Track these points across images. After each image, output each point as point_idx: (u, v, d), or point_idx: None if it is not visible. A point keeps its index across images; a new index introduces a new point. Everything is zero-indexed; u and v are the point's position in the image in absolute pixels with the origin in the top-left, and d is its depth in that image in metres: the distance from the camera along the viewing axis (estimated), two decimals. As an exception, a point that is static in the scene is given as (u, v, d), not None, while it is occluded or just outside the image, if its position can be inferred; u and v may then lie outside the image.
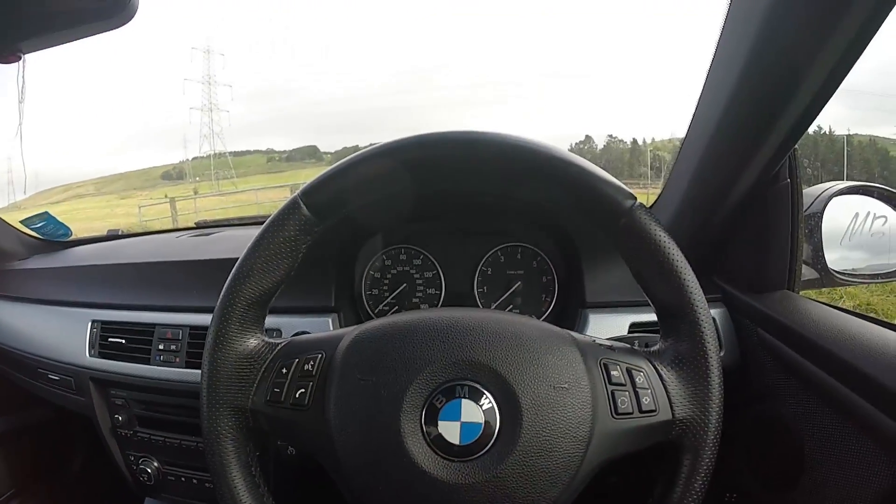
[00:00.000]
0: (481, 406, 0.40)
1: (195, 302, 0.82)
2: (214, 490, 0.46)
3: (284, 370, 0.45)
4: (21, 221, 1.19)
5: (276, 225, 0.45)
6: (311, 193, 0.45)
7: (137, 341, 0.84)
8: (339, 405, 0.42)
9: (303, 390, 0.44)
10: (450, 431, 0.40)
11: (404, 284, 0.85)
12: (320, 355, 0.45)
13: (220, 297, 0.46)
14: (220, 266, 0.86)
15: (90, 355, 0.88)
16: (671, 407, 0.43)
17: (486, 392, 0.40)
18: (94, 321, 0.89)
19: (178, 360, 0.80)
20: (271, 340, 0.48)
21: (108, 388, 0.89)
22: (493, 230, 0.86)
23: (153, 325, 0.83)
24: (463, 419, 0.40)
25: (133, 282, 0.90)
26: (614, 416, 0.42)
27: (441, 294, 0.85)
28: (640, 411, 0.42)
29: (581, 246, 0.79)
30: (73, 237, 1.19)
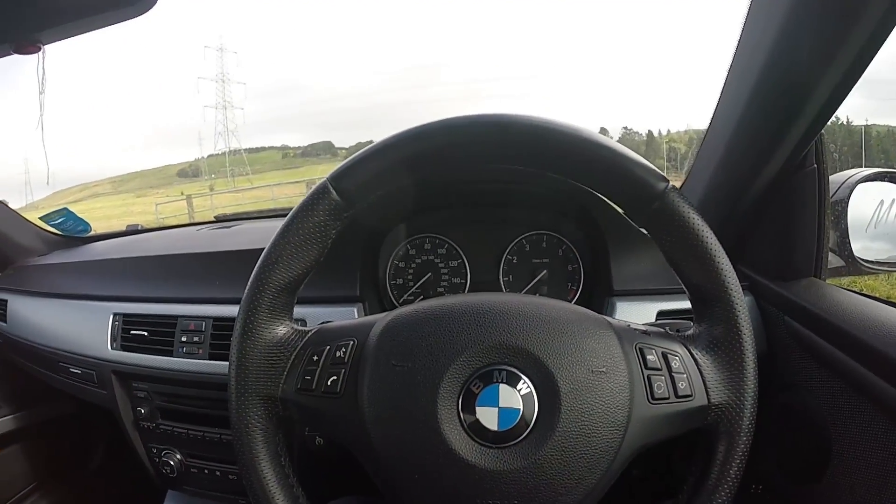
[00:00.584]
0: (519, 391, 0.39)
1: (218, 293, 0.82)
2: (243, 481, 0.45)
3: (316, 357, 0.44)
4: (40, 218, 1.19)
5: (305, 210, 0.44)
6: (340, 178, 0.44)
7: (160, 333, 0.83)
8: (374, 392, 0.41)
9: (335, 378, 0.43)
10: (487, 417, 0.39)
11: (429, 273, 0.84)
12: (352, 342, 0.44)
13: (249, 284, 0.45)
14: (243, 257, 0.86)
15: (112, 348, 0.88)
16: (706, 392, 0.42)
17: (523, 377, 0.40)
18: (115, 314, 0.89)
19: (201, 351, 0.80)
20: (301, 328, 0.47)
21: (129, 381, 0.89)
22: (518, 218, 0.85)
23: (176, 317, 0.82)
24: (501, 405, 0.39)
25: (154, 274, 0.89)
26: (651, 401, 0.41)
27: (466, 283, 0.84)
28: (677, 396, 0.42)
29: (608, 233, 0.77)
30: (91, 233, 1.19)
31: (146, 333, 0.84)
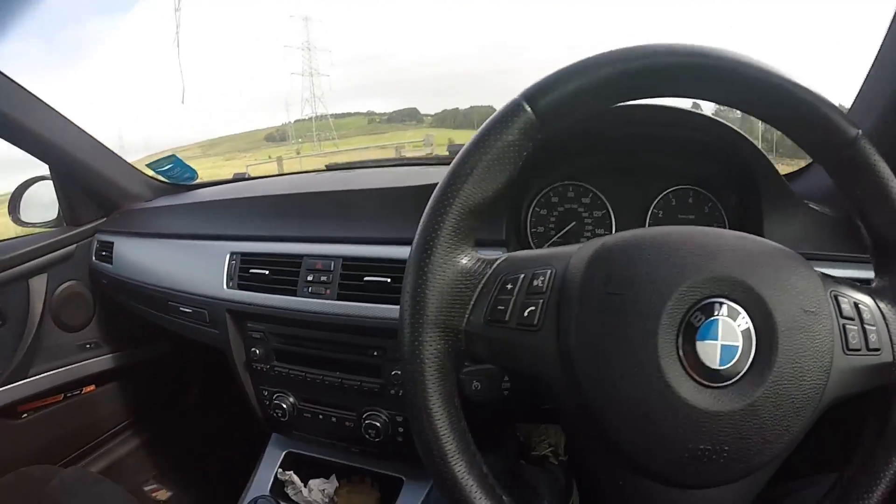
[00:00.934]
0: (738, 326, 0.36)
1: (348, 233, 0.79)
2: (410, 422, 0.41)
3: (510, 286, 0.40)
4: (147, 165, 1.20)
5: (499, 126, 0.40)
6: (536, 97, 0.40)
7: (282, 273, 0.81)
8: (584, 322, 0.37)
9: (532, 308, 0.39)
10: (707, 353, 0.35)
11: (573, 223, 0.79)
12: (550, 271, 0.40)
13: (432, 202, 0.41)
14: (376, 197, 0.83)
15: (228, 287, 0.87)
16: (892, 347, 0.40)
17: (742, 311, 0.36)
18: (232, 253, 0.87)
19: (328, 291, 0.77)
20: (486, 256, 0.43)
21: (244, 321, 0.88)
22: (667, 170, 0.78)
23: (301, 257, 0.80)
24: (721, 340, 0.36)
25: (275, 214, 0.88)
26: (846, 351, 0.39)
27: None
28: (868, 349, 0.39)
29: (764, 193, 0.71)
30: (198, 181, 1.19)
31: (267, 272, 0.82)
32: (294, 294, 0.79)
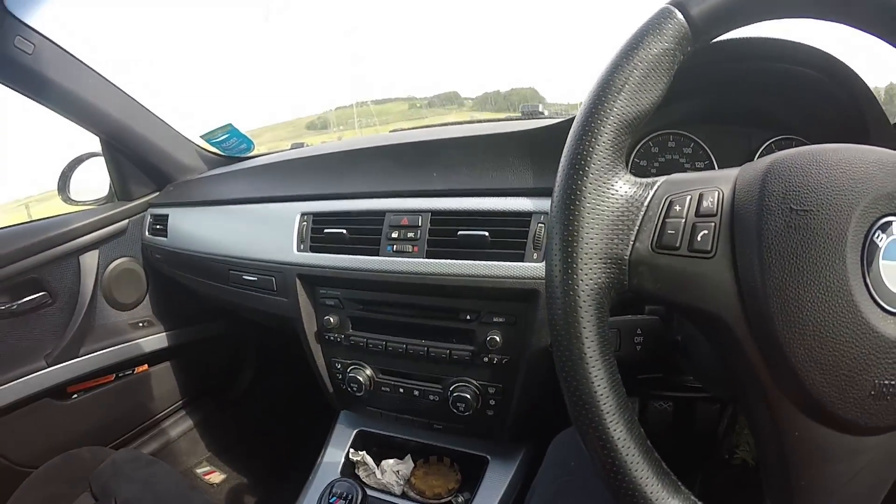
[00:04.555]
0: None
1: (435, 185, 0.72)
2: (560, 374, 0.36)
3: (678, 207, 0.35)
4: (202, 136, 1.16)
5: (651, 33, 0.36)
6: (688, 2, 0.36)
7: (362, 231, 0.75)
8: (768, 243, 0.33)
9: (705, 232, 0.34)
10: (891, 275, 0.32)
11: (675, 174, 0.72)
12: (717, 192, 0.35)
13: (581, 119, 0.36)
14: (464, 146, 0.74)
15: (298, 250, 0.81)
16: None
17: None
18: (303, 214, 0.81)
19: (415, 249, 0.70)
20: (642, 179, 0.37)
21: (316, 287, 0.81)
22: (769, 118, 0.72)
23: (382, 213, 0.74)
24: None
25: (349, 170, 0.81)
26: None
27: None
28: None
29: (874, 140, 0.63)
30: (254, 152, 1.14)
31: (345, 232, 0.76)
32: (376, 254, 0.73)
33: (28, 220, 1.15)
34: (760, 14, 0.38)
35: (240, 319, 1.15)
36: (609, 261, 0.35)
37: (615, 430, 0.35)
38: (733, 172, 0.37)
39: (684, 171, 0.72)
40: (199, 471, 1.22)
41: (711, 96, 0.72)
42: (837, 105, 0.66)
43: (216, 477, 1.21)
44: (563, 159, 0.37)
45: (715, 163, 0.72)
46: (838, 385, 0.31)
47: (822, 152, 0.35)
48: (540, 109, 0.96)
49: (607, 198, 0.36)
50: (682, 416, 0.87)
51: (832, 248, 0.32)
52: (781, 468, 0.35)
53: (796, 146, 0.70)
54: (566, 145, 0.37)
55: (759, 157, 0.71)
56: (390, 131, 1.10)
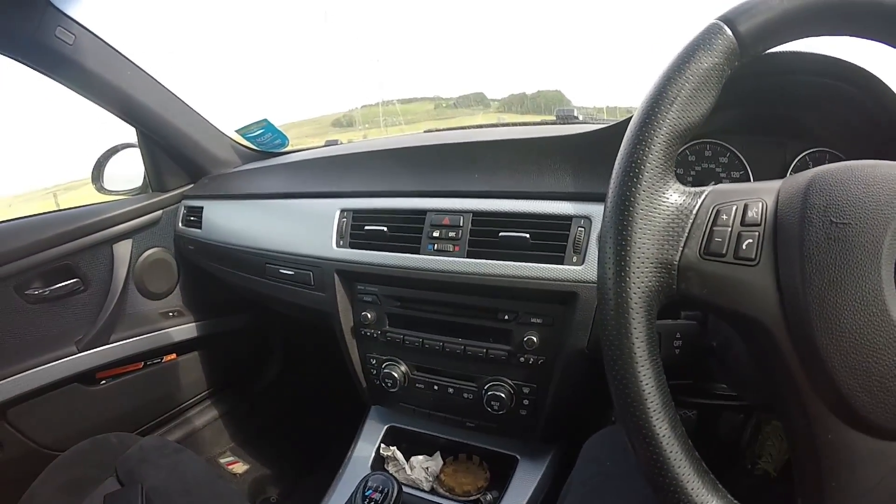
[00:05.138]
0: None
1: (474, 187, 0.73)
2: (609, 372, 0.37)
3: (724, 216, 0.37)
4: (237, 131, 1.18)
5: (701, 48, 0.38)
6: (737, 18, 0.38)
7: (403, 229, 0.76)
8: (809, 254, 0.35)
9: (750, 241, 0.37)
10: None
11: (711, 182, 0.73)
12: (761, 202, 0.37)
13: (634, 130, 0.38)
14: (505, 149, 0.75)
15: (338, 246, 0.82)
16: None
17: None
18: (343, 210, 0.83)
19: (456, 248, 0.72)
20: (691, 188, 0.39)
21: (354, 283, 0.83)
22: (804, 129, 0.73)
23: (423, 212, 0.75)
24: None
25: (390, 169, 0.82)
26: None
27: None
28: None
29: None
30: (288, 148, 1.16)
31: (385, 229, 0.77)
32: (417, 252, 0.74)
33: (56, 208, 1.17)
34: (806, 31, 0.40)
35: (267, 312, 1.16)
36: (660, 266, 0.37)
37: (660, 427, 0.36)
38: (776, 184, 0.39)
39: (720, 179, 0.74)
40: (222, 460, 1.24)
41: (748, 107, 0.74)
42: (871, 119, 0.67)
43: (239, 467, 1.22)
44: (616, 167, 0.39)
45: (750, 173, 0.73)
46: (870, 390, 0.32)
47: (860, 168, 0.37)
48: (575, 114, 0.97)
49: (659, 205, 0.38)
50: (705, 424, 0.88)
51: (868, 259, 0.33)
52: (814, 469, 0.36)
53: (830, 159, 0.72)
54: (619, 153, 0.39)
55: (793, 169, 0.72)
56: (424, 131, 1.11)
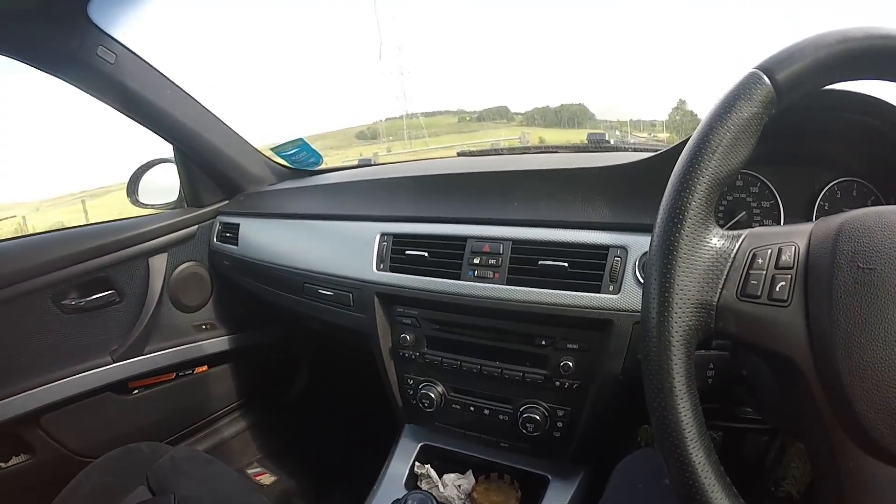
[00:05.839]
0: None
1: (514, 215, 0.76)
2: (650, 404, 0.40)
3: (760, 260, 0.40)
4: (272, 149, 1.21)
5: (744, 97, 0.40)
6: (774, 68, 0.40)
7: (443, 255, 0.79)
8: (838, 298, 0.37)
9: (783, 283, 0.39)
10: None
11: (742, 212, 0.75)
12: (794, 246, 0.40)
13: (678, 177, 0.41)
14: (544, 178, 0.78)
15: (378, 269, 0.85)
16: None
17: None
18: (383, 234, 0.86)
19: (496, 276, 0.74)
20: (729, 231, 0.42)
21: (394, 306, 0.85)
22: (833, 160, 0.75)
23: (464, 238, 0.78)
24: None
25: (428, 194, 0.85)
26: None
27: None
28: None
29: None
30: (322, 166, 1.19)
31: (426, 255, 0.80)
32: (457, 278, 0.77)
33: (83, 213, 1.20)
34: (837, 77, 0.42)
35: (296, 326, 1.19)
36: (699, 306, 0.40)
37: (696, 456, 0.39)
38: (808, 227, 0.42)
39: (751, 208, 0.76)
40: (250, 471, 1.26)
41: (779, 139, 0.76)
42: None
43: (267, 479, 1.25)
44: (661, 212, 0.41)
45: (780, 202, 0.75)
46: (891, 424, 0.35)
47: (887, 214, 0.40)
48: (606, 137, 1.00)
49: (700, 249, 0.40)
50: (731, 445, 0.90)
51: (891, 303, 0.35)
52: (836, 494, 0.38)
53: (858, 188, 0.74)
54: (664, 198, 0.42)
55: (822, 198, 0.75)
56: (458, 154, 1.14)
